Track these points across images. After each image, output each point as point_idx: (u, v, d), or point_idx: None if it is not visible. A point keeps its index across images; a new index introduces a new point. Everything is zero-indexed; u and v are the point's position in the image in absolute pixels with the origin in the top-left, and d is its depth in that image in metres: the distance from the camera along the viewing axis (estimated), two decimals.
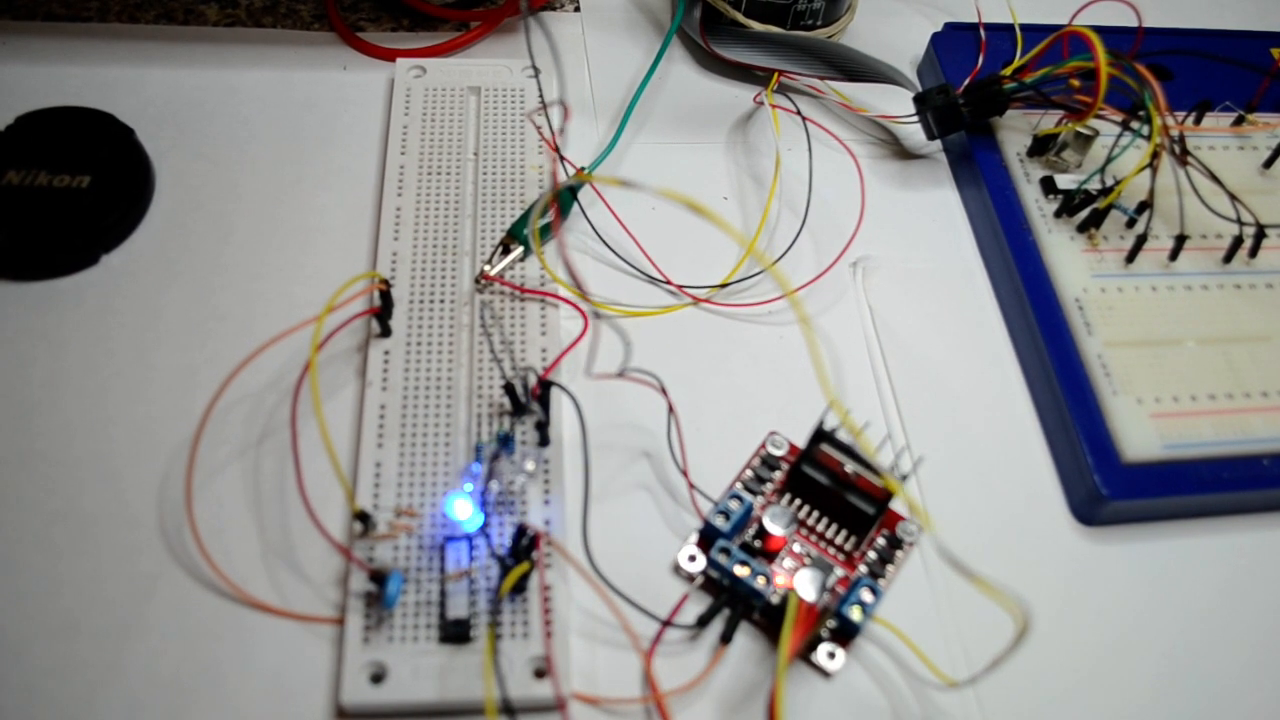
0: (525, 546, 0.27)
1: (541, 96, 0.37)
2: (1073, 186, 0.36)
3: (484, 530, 0.28)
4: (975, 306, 0.36)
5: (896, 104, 0.40)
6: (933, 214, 0.38)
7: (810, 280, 0.36)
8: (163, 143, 0.37)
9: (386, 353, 0.32)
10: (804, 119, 0.39)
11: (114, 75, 0.38)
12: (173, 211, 0.35)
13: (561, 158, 0.36)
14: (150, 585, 0.28)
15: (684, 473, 0.31)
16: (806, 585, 0.28)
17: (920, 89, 0.39)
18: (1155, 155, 0.35)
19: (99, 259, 0.34)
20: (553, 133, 0.36)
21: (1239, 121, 0.40)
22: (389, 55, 0.40)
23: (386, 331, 0.32)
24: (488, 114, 0.37)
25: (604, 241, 0.36)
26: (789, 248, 0.36)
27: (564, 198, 0.35)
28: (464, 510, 0.28)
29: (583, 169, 0.36)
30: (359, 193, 0.36)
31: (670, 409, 0.31)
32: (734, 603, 0.29)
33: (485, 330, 0.32)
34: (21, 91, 0.37)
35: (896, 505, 0.31)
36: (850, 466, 0.29)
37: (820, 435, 0.29)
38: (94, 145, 0.35)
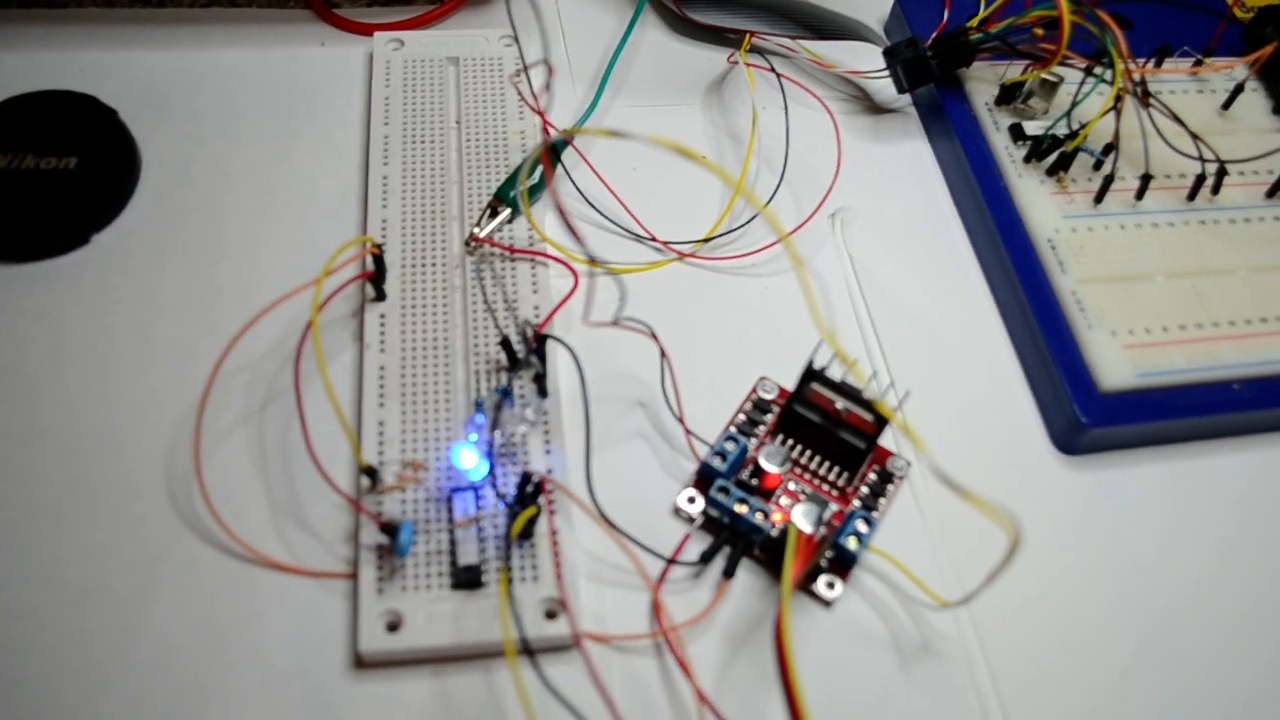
0: (531, 493, 0.28)
1: (522, 59, 0.38)
2: (1040, 132, 0.38)
3: (490, 479, 0.29)
4: (952, 251, 0.37)
5: (866, 60, 0.41)
6: (906, 165, 0.40)
7: (791, 231, 0.37)
8: (146, 123, 0.37)
9: (382, 316, 0.32)
10: (778, 75, 0.40)
11: (93, 59, 0.39)
12: (161, 189, 0.36)
13: (545, 121, 0.36)
14: (165, 550, 0.29)
15: (680, 419, 0.32)
16: (803, 520, 0.29)
17: (889, 44, 0.40)
18: (1119, 98, 0.36)
19: (90, 238, 0.34)
20: (534, 94, 0.36)
21: (1198, 64, 0.41)
22: (366, 30, 0.40)
23: (381, 295, 0.33)
24: (467, 83, 0.38)
25: (589, 202, 0.36)
26: (768, 201, 0.37)
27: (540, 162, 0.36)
28: (469, 460, 0.29)
29: (566, 131, 0.37)
30: (345, 164, 0.37)
31: (663, 353, 0.32)
32: (734, 540, 0.30)
33: (483, 287, 0.32)
34: (1, 78, 0.37)
35: (889, 434, 0.32)
36: (841, 403, 0.30)
37: (810, 374, 0.30)
38: (79, 127, 0.36)
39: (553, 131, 0.36)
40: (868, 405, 0.30)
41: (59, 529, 0.29)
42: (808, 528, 0.29)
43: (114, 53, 0.39)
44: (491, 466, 0.29)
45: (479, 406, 0.30)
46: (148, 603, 0.28)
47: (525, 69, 0.37)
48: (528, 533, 0.29)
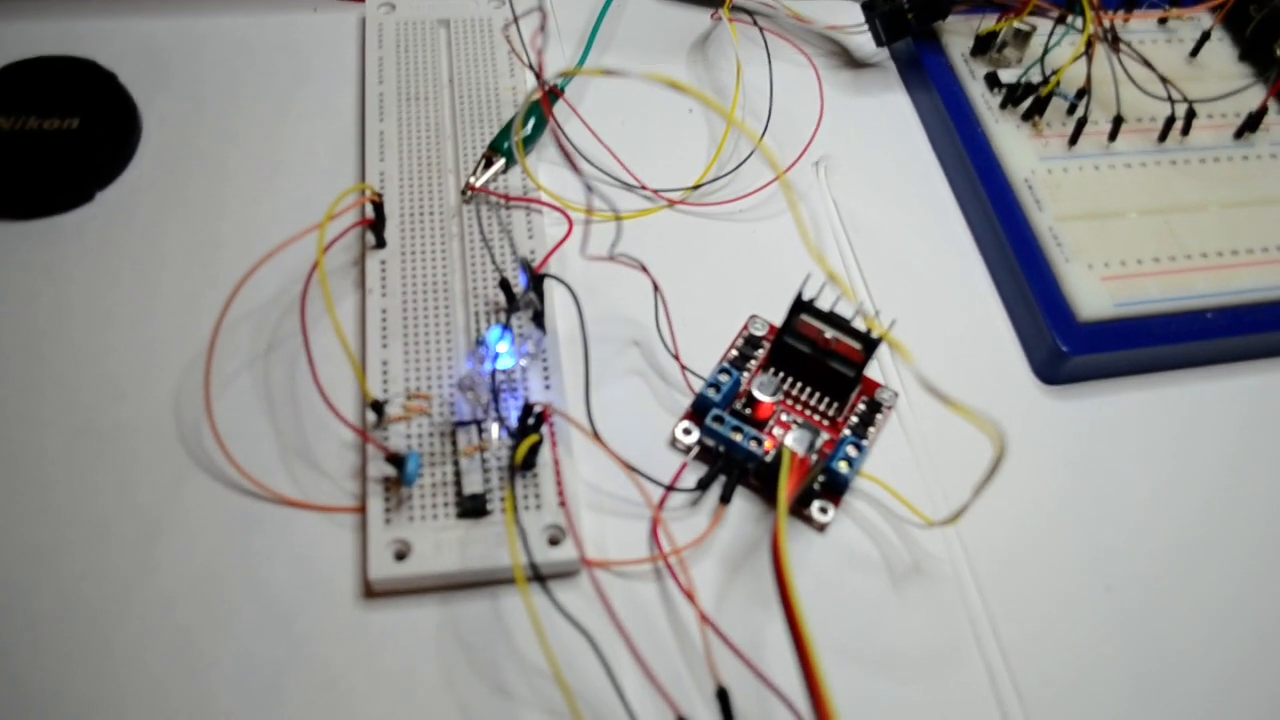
0: (534, 423, 0.29)
1: (513, 9, 0.39)
2: (1015, 80, 0.39)
3: (493, 410, 0.30)
4: (932, 196, 0.38)
5: (846, 15, 0.42)
6: (887, 116, 0.41)
7: (785, 170, 0.38)
8: (146, 87, 0.38)
9: (383, 262, 0.33)
10: (761, 30, 0.41)
11: (92, 26, 0.39)
12: (162, 149, 0.36)
13: (539, 68, 0.37)
14: (177, 490, 0.30)
15: (675, 355, 0.33)
16: (796, 445, 0.30)
17: None
18: (1089, 44, 0.37)
19: (94, 196, 0.35)
20: (524, 44, 0.37)
21: (1168, 8, 0.42)
22: None
23: (381, 243, 0.33)
24: (458, 44, 0.39)
25: (581, 154, 0.37)
26: (753, 150, 0.38)
27: (536, 109, 0.37)
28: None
29: (558, 84, 0.38)
30: (342, 123, 0.38)
31: (656, 288, 0.33)
32: (730, 467, 0.31)
33: (481, 228, 0.33)
34: (2, 44, 0.38)
35: (875, 367, 0.33)
36: (829, 333, 0.31)
37: (799, 305, 0.31)
38: (80, 90, 0.36)
39: (547, 76, 0.37)
40: (855, 333, 0.31)
41: (71, 471, 0.30)
42: (800, 452, 0.30)
43: (113, 20, 0.40)
44: (495, 398, 0.30)
45: (480, 342, 0.31)
46: (159, 540, 0.29)
47: (516, 20, 0.38)
48: (530, 462, 0.29)
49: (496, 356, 0.30)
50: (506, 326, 0.31)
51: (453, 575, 0.28)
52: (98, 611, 0.28)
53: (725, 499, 0.30)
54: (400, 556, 0.28)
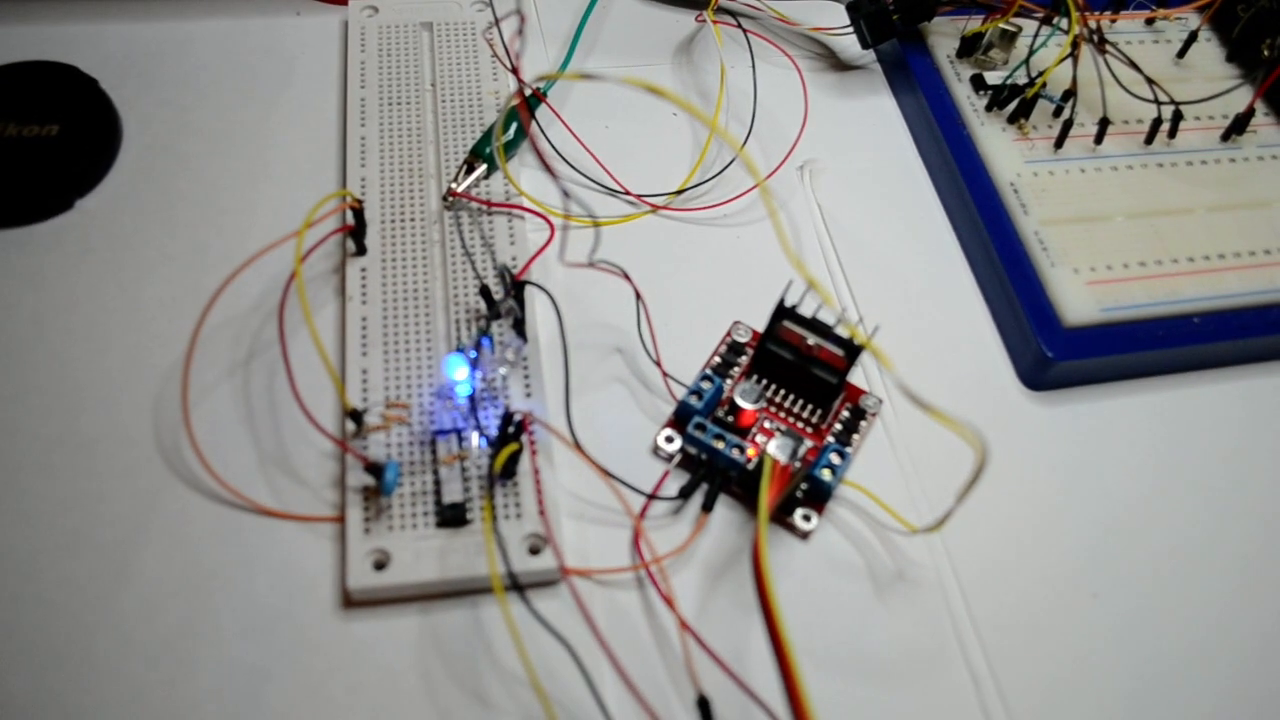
0: (514, 431, 0.29)
1: (494, 14, 0.39)
2: (1000, 82, 0.39)
3: (472, 419, 0.30)
4: (918, 199, 0.38)
5: (831, 17, 0.42)
6: (872, 119, 0.40)
7: (766, 176, 0.38)
8: (126, 93, 0.37)
9: (363, 270, 0.33)
10: (745, 33, 0.41)
11: (72, 32, 0.39)
12: (142, 155, 0.36)
13: (517, 70, 0.37)
14: (155, 499, 0.30)
15: (657, 363, 0.33)
16: (778, 452, 0.30)
17: None
18: (1075, 45, 0.37)
19: (74, 204, 0.35)
20: (506, 47, 0.37)
21: (1155, 8, 0.42)
22: None
23: (362, 250, 0.33)
24: (441, 48, 0.39)
25: (563, 158, 0.37)
26: (742, 144, 0.38)
27: (518, 114, 0.37)
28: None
29: (539, 87, 0.37)
30: (324, 128, 0.37)
31: (637, 295, 0.32)
32: (712, 475, 0.30)
33: (461, 236, 0.33)
34: None
35: (859, 373, 0.32)
36: (812, 339, 0.31)
37: (781, 311, 0.31)
38: (60, 96, 0.36)
39: (526, 79, 0.37)
40: (838, 340, 0.31)
41: (50, 481, 0.30)
42: (783, 459, 0.30)
43: (94, 25, 0.39)
44: (474, 407, 0.30)
45: (460, 350, 0.31)
46: (138, 550, 0.29)
47: (497, 22, 0.38)
48: (510, 471, 0.29)
49: (454, 386, 0.30)
50: (486, 330, 0.31)
51: (432, 585, 0.28)
52: (76, 622, 0.28)
53: (707, 507, 0.30)
54: (379, 566, 0.28)
